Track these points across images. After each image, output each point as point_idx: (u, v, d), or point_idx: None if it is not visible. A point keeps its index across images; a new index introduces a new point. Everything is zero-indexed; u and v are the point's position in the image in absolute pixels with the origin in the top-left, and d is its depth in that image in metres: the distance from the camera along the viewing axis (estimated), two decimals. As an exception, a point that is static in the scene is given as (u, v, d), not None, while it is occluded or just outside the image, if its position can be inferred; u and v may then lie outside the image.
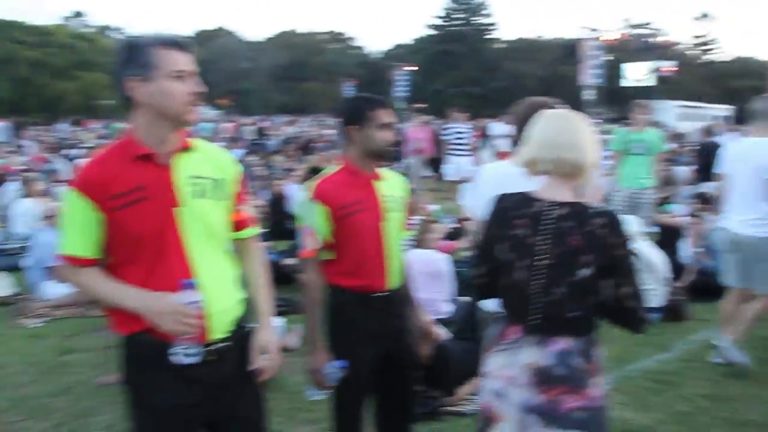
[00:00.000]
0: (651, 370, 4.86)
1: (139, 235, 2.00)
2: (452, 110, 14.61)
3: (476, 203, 3.22)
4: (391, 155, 2.89)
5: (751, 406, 4.26)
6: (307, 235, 2.75)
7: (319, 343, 2.75)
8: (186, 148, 2.10)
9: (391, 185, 2.89)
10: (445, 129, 13.13)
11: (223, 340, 2.09)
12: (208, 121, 32.71)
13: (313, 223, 2.73)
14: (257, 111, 46.40)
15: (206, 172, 2.12)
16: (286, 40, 70.09)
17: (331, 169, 2.91)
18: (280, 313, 5.38)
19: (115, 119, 36.38)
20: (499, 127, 13.95)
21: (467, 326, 4.77)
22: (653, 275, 5.85)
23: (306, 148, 18.51)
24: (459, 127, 12.52)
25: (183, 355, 1.99)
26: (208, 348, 2.05)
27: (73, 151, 18.22)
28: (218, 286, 2.09)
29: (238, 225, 2.26)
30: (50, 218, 6.75)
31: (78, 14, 66.27)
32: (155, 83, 1.98)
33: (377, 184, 2.83)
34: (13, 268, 7.31)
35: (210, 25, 69.99)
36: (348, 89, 33.81)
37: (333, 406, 2.85)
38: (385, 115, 2.75)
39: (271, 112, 48.31)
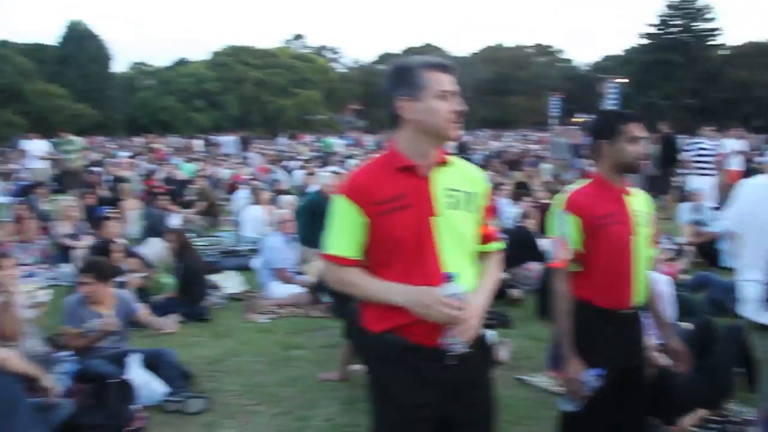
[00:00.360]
0: None
1: (399, 240, 2.13)
2: (664, 124, 13.65)
3: (735, 220, 3.06)
4: (640, 169, 2.84)
5: None
6: (558, 245, 2.77)
7: (572, 352, 2.73)
8: (443, 163, 2.22)
9: (639, 200, 2.88)
10: (687, 145, 12.09)
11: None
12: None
13: (566, 233, 2.75)
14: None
15: (460, 186, 2.23)
16: (491, 54, 70.33)
17: (580, 182, 2.94)
18: (491, 326, 5.39)
19: (326, 134, 38.78)
20: (731, 143, 12.52)
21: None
22: None
23: (513, 162, 18.37)
24: (703, 143, 11.38)
25: (452, 344, 2.07)
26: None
27: (291, 163, 19.63)
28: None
29: (484, 238, 2.33)
30: (278, 224, 7.32)
31: (298, 37, 71.52)
32: (423, 102, 2.13)
33: (627, 198, 2.82)
34: (243, 268, 8.03)
35: (418, 42, 71.90)
36: (554, 103, 33.14)
37: (567, 421, 2.83)
38: (636, 129, 2.75)
39: (473, 126, 48.63)
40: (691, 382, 4.11)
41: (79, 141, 16.84)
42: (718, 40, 55.33)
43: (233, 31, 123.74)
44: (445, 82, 2.14)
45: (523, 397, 4.53)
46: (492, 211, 2.37)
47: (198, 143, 29.10)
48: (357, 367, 4.62)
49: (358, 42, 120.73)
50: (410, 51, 65.47)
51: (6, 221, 10.42)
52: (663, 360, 3.82)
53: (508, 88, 65.26)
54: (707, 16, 54.18)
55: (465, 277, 2.15)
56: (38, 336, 4.92)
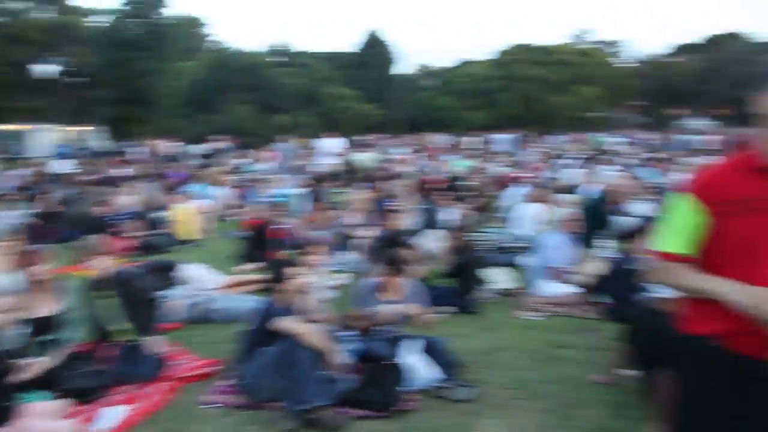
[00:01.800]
0: None
1: (743, 243, 2.02)
2: None
3: None
4: None
5: None
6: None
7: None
8: None
9: None
10: None
11: None
12: (695, 134, 30.34)
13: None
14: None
15: None
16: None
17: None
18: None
19: (600, 131, 37.21)
20: None
21: None
22: None
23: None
24: None
25: None
26: None
27: (560, 161, 19.17)
28: None
29: None
30: (561, 222, 7.29)
31: (584, 32, 68.47)
32: None
33: None
34: (511, 265, 8.06)
35: (721, 30, 64.66)
36: None
37: None
38: None
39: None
40: None
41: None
42: None
43: (519, 29, 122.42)
44: None
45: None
46: None
47: (468, 141, 29.75)
48: (628, 372, 4.44)
49: (655, 34, 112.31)
50: (712, 40, 59.76)
51: (301, 212, 11.73)
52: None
53: None
54: None
55: None
56: (327, 315, 5.51)
